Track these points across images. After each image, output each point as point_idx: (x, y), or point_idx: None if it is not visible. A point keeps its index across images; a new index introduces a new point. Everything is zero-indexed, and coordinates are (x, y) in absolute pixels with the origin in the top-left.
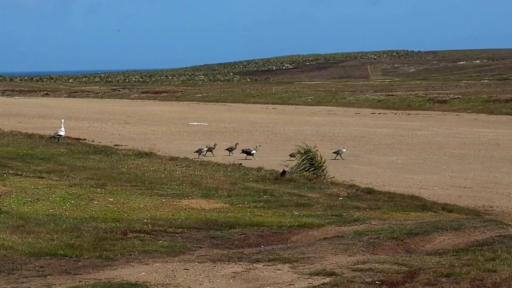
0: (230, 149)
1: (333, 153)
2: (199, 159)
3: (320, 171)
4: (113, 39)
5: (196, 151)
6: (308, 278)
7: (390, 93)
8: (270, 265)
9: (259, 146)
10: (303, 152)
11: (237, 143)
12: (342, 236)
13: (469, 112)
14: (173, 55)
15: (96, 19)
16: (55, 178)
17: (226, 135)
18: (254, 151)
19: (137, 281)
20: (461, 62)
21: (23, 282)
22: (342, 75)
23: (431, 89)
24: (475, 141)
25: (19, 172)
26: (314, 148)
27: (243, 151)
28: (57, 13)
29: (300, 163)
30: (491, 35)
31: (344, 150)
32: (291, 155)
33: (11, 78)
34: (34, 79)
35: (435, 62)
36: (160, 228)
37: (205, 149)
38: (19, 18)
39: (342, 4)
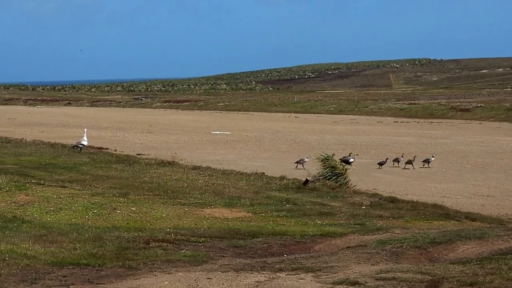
0: (300, 161)
1: (378, 163)
2: (221, 169)
3: (342, 179)
4: (135, 48)
5: (297, 162)
6: (331, 287)
7: (412, 102)
8: (293, 274)
9: (357, 155)
10: (323, 159)
11: (309, 156)
12: (365, 245)
13: (492, 121)
14: (195, 64)
15: (118, 29)
16: (78, 188)
17: (249, 144)
18: (352, 160)
19: None
20: (484, 71)
21: None
22: (364, 84)
23: (454, 97)
24: (498, 150)
25: (42, 182)
26: (356, 155)
27: (341, 160)
28: (79, 23)
29: (322, 172)
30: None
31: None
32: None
33: (33, 87)
34: (56, 88)
35: (457, 71)
36: (183, 237)
37: (307, 160)
38: (41, 29)
39: (364, 13)
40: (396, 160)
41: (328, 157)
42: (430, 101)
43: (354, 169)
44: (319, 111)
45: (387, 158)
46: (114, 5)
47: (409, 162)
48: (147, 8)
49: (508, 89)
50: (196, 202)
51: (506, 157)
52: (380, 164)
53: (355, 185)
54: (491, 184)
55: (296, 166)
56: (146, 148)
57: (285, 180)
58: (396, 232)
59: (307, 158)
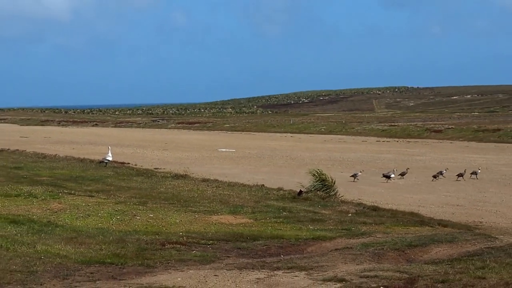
0: (354, 175)
1: (383, 175)
2: (227, 181)
3: (331, 191)
4: (153, 76)
5: (352, 176)
6: (321, 284)
7: (392, 124)
8: (288, 272)
9: (396, 170)
10: (317, 175)
11: (362, 170)
12: (351, 248)
13: (461, 140)
14: (205, 90)
15: (138, 59)
16: (103, 197)
17: (251, 160)
18: (393, 175)
19: (174, 286)
20: (454, 97)
21: (76, 286)
22: (351, 108)
23: (428, 120)
24: (467, 165)
25: (72, 192)
26: (360, 172)
27: (384, 175)
28: (104, 55)
29: (314, 184)
30: (480, 73)
31: (360, 173)
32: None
33: (66, 110)
34: (85, 111)
35: (431, 97)
36: (194, 240)
37: (359, 173)
38: (72, 60)
39: (350, 47)
40: (402, 173)
41: (321, 172)
42: (407, 123)
43: (394, 183)
44: (311, 131)
45: (395, 169)
46: (133, 40)
47: (460, 175)
48: (162, 42)
49: (475, 113)
50: (205, 210)
51: (477, 175)
52: (386, 176)
53: (342, 196)
54: (460, 195)
55: (354, 180)
56: (162, 163)
57: (282, 191)
58: (377, 236)
59: (360, 172)
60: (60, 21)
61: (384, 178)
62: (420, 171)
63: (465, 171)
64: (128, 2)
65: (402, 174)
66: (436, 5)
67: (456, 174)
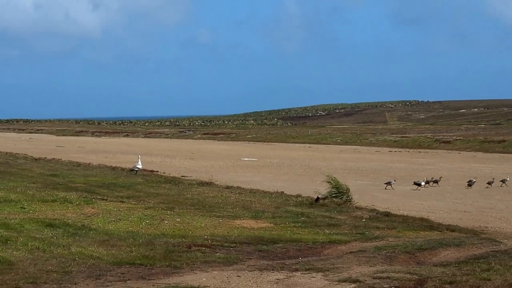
0: (389, 183)
1: (428, 181)
2: (249, 188)
3: (346, 197)
4: (180, 90)
5: (386, 183)
6: (337, 285)
7: (404, 135)
8: (306, 274)
9: (426, 178)
10: (333, 183)
11: (396, 179)
12: (365, 251)
13: (469, 151)
14: (228, 103)
15: (165, 74)
16: (134, 202)
17: (272, 168)
18: (423, 183)
19: (199, 286)
20: (462, 110)
21: (108, 286)
22: (365, 120)
23: (438, 132)
24: (474, 174)
25: (105, 197)
26: (394, 181)
27: (415, 183)
28: (133, 69)
29: (330, 191)
30: (486, 88)
31: (394, 182)
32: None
33: (99, 122)
34: (117, 122)
35: (440, 110)
36: (218, 243)
37: (393, 182)
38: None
39: (365, 64)
40: (433, 181)
41: (336, 180)
42: (418, 135)
43: (420, 191)
44: (328, 142)
45: (424, 179)
46: (161, 55)
47: (489, 183)
48: (188, 57)
49: (482, 125)
50: (228, 215)
51: (480, 181)
52: (417, 184)
53: (356, 202)
54: (468, 202)
55: (386, 187)
56: (189, 171)
57: (300, 198)
58: (390, 240)
59: (394, 180)
60: (92, 38)
61: (415, 185)
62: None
63: (493, 179)
64: (156, 19)
65: (436, 182)
66: (445, 23)
67: (486, 182)
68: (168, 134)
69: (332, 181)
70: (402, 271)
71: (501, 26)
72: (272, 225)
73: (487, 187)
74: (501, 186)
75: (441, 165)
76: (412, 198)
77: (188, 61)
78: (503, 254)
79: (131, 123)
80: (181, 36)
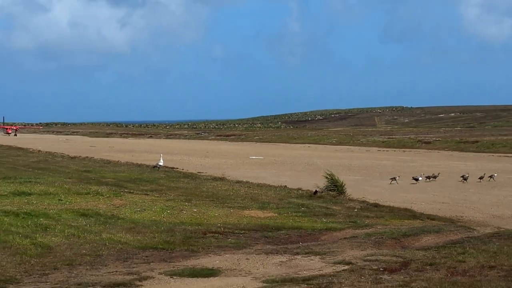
0: (394, 178)
1: (428, 177)
2: (256, 182)
3: (340, 190)
4: (197, 97)
5: (391, 178)
6: (332, 266)
7: (391, 137)
8: (306, 257)
9: (423, 174)
10: (329, 178)
11: (400, 176)
12: (357, 237)
13: (446, 150)
14: (239, 109)
15: (184, 84)
16: (156, 195)
17: (276, 165)
18: (420, 178)
19: (213, 267)
20: (441, 115)
21: (134, 267)
22: (357, 124)
23: (420, 134)
24: (451, 170)
25: (131, 191)
26: (398, 177)
27: (413, 178)
28: (157, 80)
29: (327, 185)
30: (462, 95)
31: (421, 178)
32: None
33: (126, 125)
34: (142, 125)
35: (422, 115)
36: (229, 230)
37: (398, 178)
38: (131, 83)
39: (357, 74)
40: (433, 176)
41: (332, 175)
42: (403, 136)
43: (415, 184)
44: (325, 143)
45: (422, 174)
46: (181, 68)
47: (481, 177)
48: (203, 69)
49: (458, 128)
50: (238, 206)
51: (456, 176)
52: (415, 179)
53: (349, 195)
54: (446, 194)
55: (390, 182)
56: (204, 168)
57: (300, 191)
58: (378, 227)
59: (398, 177)
60: (121, 53)
61: (414, 180)
62: (413, 175)
63: (484, 175)
64: (176, 37)
65: (434, 177)
66: (426, 39)
67: (479, 177)
68: (186, 135)
69: (328, 177)
70: (389, 254)
71: (475, 42)
72: (276, 214)
73: (478, 181)
74: (489, 180)
75: (422, 163)
76: (397, 191)
77: (203, 72)
78: (476, 240)
79: (154, 126)
80: (197, 51)
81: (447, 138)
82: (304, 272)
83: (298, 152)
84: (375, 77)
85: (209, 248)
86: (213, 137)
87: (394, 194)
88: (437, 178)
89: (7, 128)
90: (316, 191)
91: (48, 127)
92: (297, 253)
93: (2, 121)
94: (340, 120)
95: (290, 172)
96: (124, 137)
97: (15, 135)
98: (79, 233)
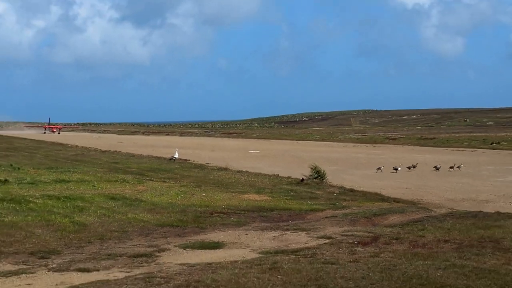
0: (379, 168)
1: (408, 167)
2: (254, 172)
3: (323, 178)
4: (205, 102)
5: (377, 168)
6: (316, 240)
7: (363, 134)
8: (294, 232)
9: (402, 164)
10: (313, 168)
11: (383, 166)
12: (336, 216)
13: (409, 145)
14: (239, 112)
15: (193, 91)
16: (172, 182)
17: (270, 158)
18: (399, 168)
19: (218, 241)
20: (405, 116)
21: (154, 241)
22: (336, 124)
23: (387, 132)
24: (413, 162)
25: (152, 178)
26: (383, 167)
27: (394, 168)
28: (171, 88)
29: (312, 174)
30: (422, 100)
31: (400, 168)
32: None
33: (147, 125)
34: (160, 125)
35: (389, 116)
36: (231, 211)
37: (383, 167)
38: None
39: (335, 83)
40: (413, 166)
41: (316, 166)
42: (374, 134)
43: (395, 173)
44: (310, 139)
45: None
46: (191, 78)
47: (451, 167)
48: (210, 80)
49: (418, 127)
50: (239, 191)
51: (418, 166)
52: (395, 169)
53: (330, 182)
54: (409, 181)
55: (377, 171)
56: (211, 160)
57: (290, 179)
58: (353, 208)
59: (383, 166)
60: (142, 65)
61: (394, 169)
62: (382, 166)
63: (454, 165)
64: (188, 52)
65: (414, 167)
66: (392, 55)
67: (449, 167)
68: (196, 133)
69: (312, 167)
70: (362, 231)
71: (432, 57)
72: (270, 198)
73: (449, 170)
74: (454, 170)
75: (390, 155)
76: (369, 179)
77: (210, 81)
78: (434, 219)
79: (170, 125)
80: (205, 63)
81: (410, 135)
82: (293, 245)
83: (288, 147)
84: (351, 85)
85: (215, 226)
86: (218, 134)
87: (366, 181)
88: (416, 167)
89: (52, 128)
90: (302, 179)
91: (84, 127)
92: (287, 230)
93: (48, 121)
94: (322, 121)
95: (282, 163)
96: (145, 134)
97: (59, 133)
98: (108, 213)
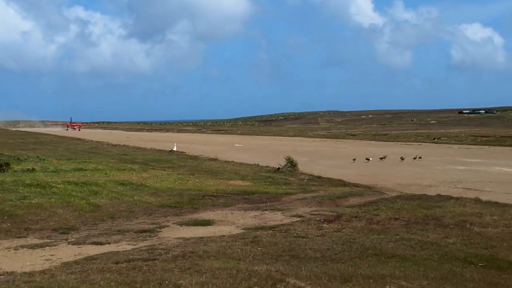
0: (367, 158)
1: (380, 158)
2: (239, 162)
3: (295, 167)
4: (198, 104)
5: (366, 159)
6: (289, 218)
7: (329, 131)
8: (272, 212)
9: (372, 156)
10: (287, 159)
11: (372, 157)
12: (306, 198)
13: (366, 140)
14: (226, 112)
15: (190, 95)
16: (171, 170)
17: (252, 150)
18: (370, 158)
19: (209, 219)
20: (363, 116)
21: (155, 219)
22: (306, 122)
23: (349, 129)
24: (369, 154)
25: (154, 167)
26: (356, 158)
27: (366, 158)
28: (171, 93)
29: (286, 164)
30: (376, 101)
31: (371, 158)
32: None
33: (150, 123)
34: (161, 123)
35: (350, 116)
36: (220, 194)
37: (370, 158)
38: (153, 95)
39: (307, 88)
40: (383, 157)
41: (290, 157)
42: (337, 131)
43: (353, 163)
44: (284, 135)
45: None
46: (188, 85)
47: (402, 158)
48: (203, 86)
49: (374, 125)
50: (226, 178)
51: (373, 158)
52: (367, 159)
53: (301, 170)
54: (367, 170)
55: (366, 161)
56: (203, 152)
57: (268, 167)
58: (320, 192)
59: (371, 157)
60: (146, 74)
61: (366, 160)
62: (344, 157)
63: (417, 156)
64: (184, 63)
65: (384, 158)
66: (353, 65)
67: (413, 157)
68: (191, 130)
69: (287, 158)
70: (327, 210)
71: (385, 67)
72: (252, 183)
73: (413, 160)
74: (416, 160)
75: (351, 148)
76: (334, 168)
77: (203, 87)
78: (386, 200)
79: (170, 124)
80: (199, 72)
81: (367, 132)
82: (271, 222)
83: (266, 141)
84: (319, 90)
85: (206, 206)
86: (209, 131)
87: (331, 170)
88: (385, 159)
89: (73, 125)
90: (278, 168)
91: (99, 125)
92: (266, 210)
93: (70, 120)
94: (295, 120)
95: (261, 155)
96: (149, 131)
97: (79, 130)
98: (118, 196)
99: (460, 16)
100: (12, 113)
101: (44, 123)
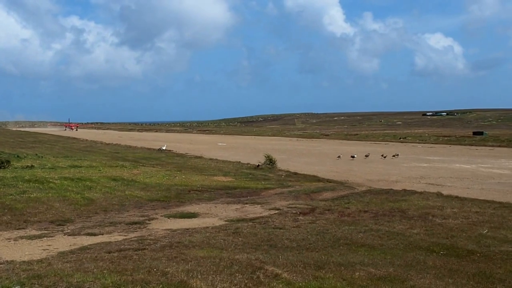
0: (352, 156)
1: (351, 156)
2: (222, 159)
3: (274, 164)
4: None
5: (352, 156)
6: (268, 211)
7: (304, 131)
8: (252, 205)
9: (356, 154)
10: (267, 156)
11: (356, 154)
12: (283, 193)
13: (339, 139)
14: (211, 113)
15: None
16: (159, 167)
17: (234, 149)
18: (356, 156)
19: (194, 212)
20: (335, 118)
21: (145, 212)
22: (284, 123)
23: (322, 129)
24: (341, 152)
25: (144, 164)
26: (341, 155)
27: (351, 156)
28: (160, 95)
29: (265, 161)
30: (348, 105)
31: (356, 156)
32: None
33: (140, 123)
34: (150, 124)
35: (324, 118)
36: (204, 189)
37: (355, 156)
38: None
39: (285, 92)
40: (367, 155)
41: (269, 155)
42: (312, 131)
43: (341, 160)
44: (264, 135)
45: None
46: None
47: (383, 156)
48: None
49: (345, 126)
50: (210, 174)
51: (344, 156)
52: (352, 156)
53: (279, 167)
54: (339, 167)
55: (338, 158)
56: (189, 150)
57: (249, 165)
58: (296, 187)
59: (356, 155)
60: (136, 79)
61: (351, 157)
62: (318, 155)
63: (384, 155)
64: (171, 69)
65: (367, 156)
66: (326, 71)
67: (381, 155)
68: (178, 130)
69: (266, 156)
70: (303, 204)
71: (355, 73)
72: (234, 179)
73: (381, 158)
74: (393, 157)
75: (325, 147)
76: (309, 165)
77: (188, 92)
78: (356, 194)
79: (158, 124)
80: (184, 77)
81: (339, 132)
82: (251, 214)
83: (247, 141)
84: (295, 94)
85: (192, 200)
86: (195, 131)
87: (307, 166)
88: (368, 156)
89: (71, 126)
90: (258, 165)
91: (93, 125)
92: (246, 203)
93: (68, 121)
94: (273, 121)
95: (243, 153)
96: (139, 131)
97: (76, 130)
98: (111, 191)
99: (424, 27)
100: (12, 114)
101: (43, 124)
